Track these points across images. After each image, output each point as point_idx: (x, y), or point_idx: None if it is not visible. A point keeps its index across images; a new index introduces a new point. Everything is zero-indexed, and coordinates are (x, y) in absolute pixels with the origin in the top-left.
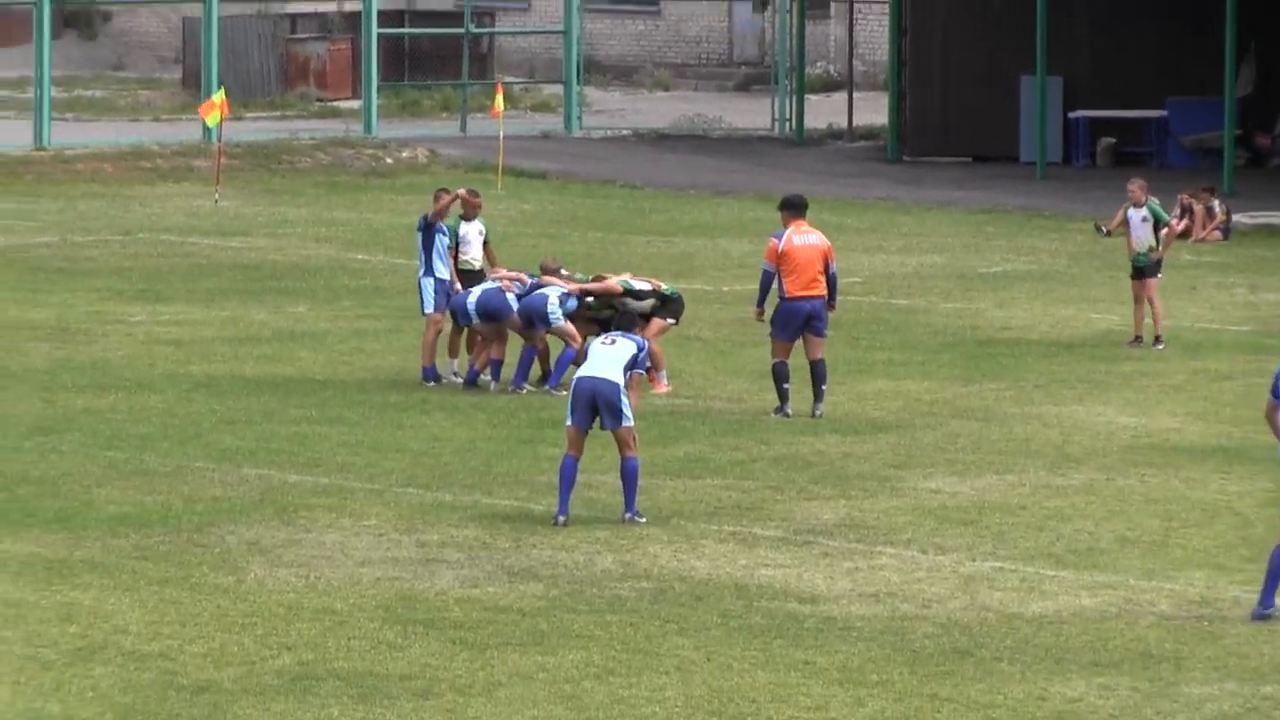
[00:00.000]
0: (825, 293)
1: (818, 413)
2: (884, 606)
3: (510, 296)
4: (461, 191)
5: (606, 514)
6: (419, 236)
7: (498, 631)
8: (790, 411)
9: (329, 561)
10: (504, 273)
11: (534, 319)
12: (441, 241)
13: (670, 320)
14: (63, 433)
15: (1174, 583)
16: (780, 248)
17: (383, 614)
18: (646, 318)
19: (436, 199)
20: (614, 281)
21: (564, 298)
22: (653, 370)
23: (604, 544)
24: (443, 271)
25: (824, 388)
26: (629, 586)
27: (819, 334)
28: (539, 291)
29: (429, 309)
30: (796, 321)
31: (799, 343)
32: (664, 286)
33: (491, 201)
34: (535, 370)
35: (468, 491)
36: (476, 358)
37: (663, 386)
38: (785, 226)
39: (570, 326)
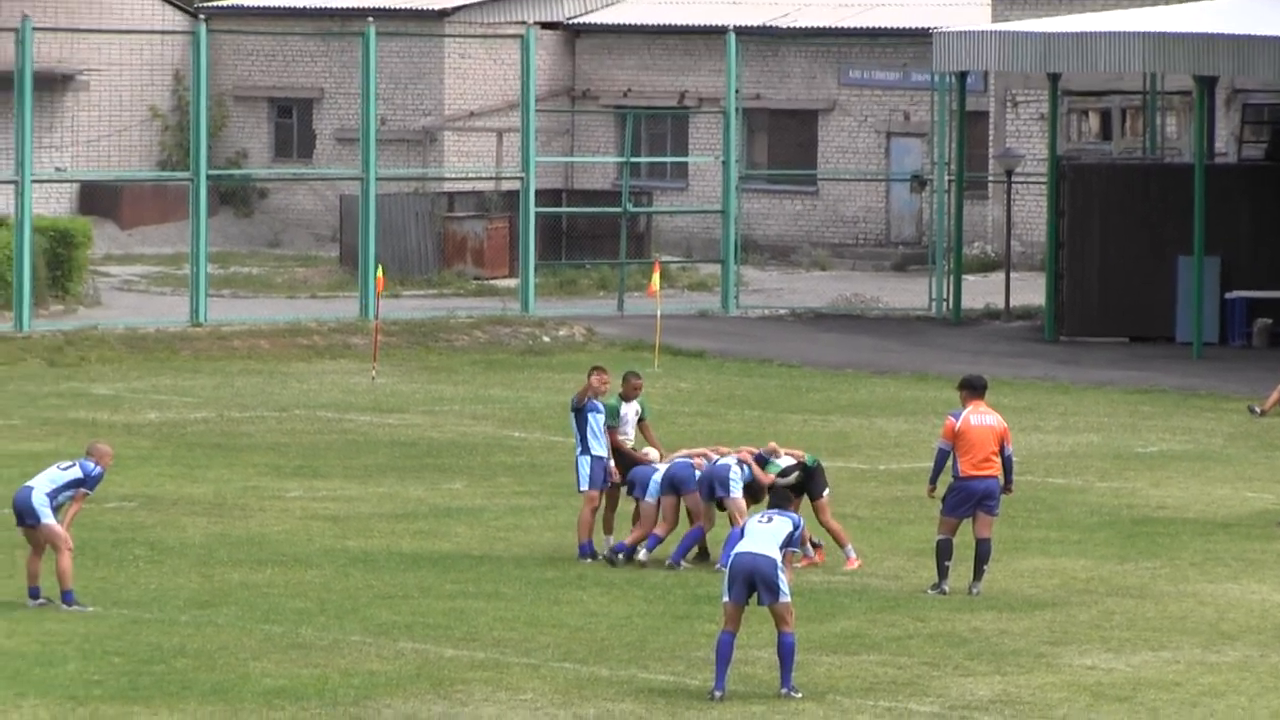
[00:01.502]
0: (998, 473)
1: (975, 591)
2: None
3: (698, 473)
4: (604, 376)
5: (763, 689)
6: (572, 417)
7: None
8: (947, 589)
9: None
10: (694, 450)
11: (714, 484)
12: (596, 420)
13: (826, 492)
14: (219, 606)
15: None
16: (957, 427)
17: None
18: (797, 492)
19: (590, 376)
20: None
21: (744, 467)
22: (818, 549)
23: (760, 719)
24: (598, 449)
25: (985, 567)
26: None
27: (991, 513)
28: (722, 462)
29: (584, 486)
30: (970, 500)
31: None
32: (805, 456)
33: (650, 380)
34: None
35: (624, 666)
36: (632, 532)
37: (852, 562)
38: (964, 406)
39: (743, 505)
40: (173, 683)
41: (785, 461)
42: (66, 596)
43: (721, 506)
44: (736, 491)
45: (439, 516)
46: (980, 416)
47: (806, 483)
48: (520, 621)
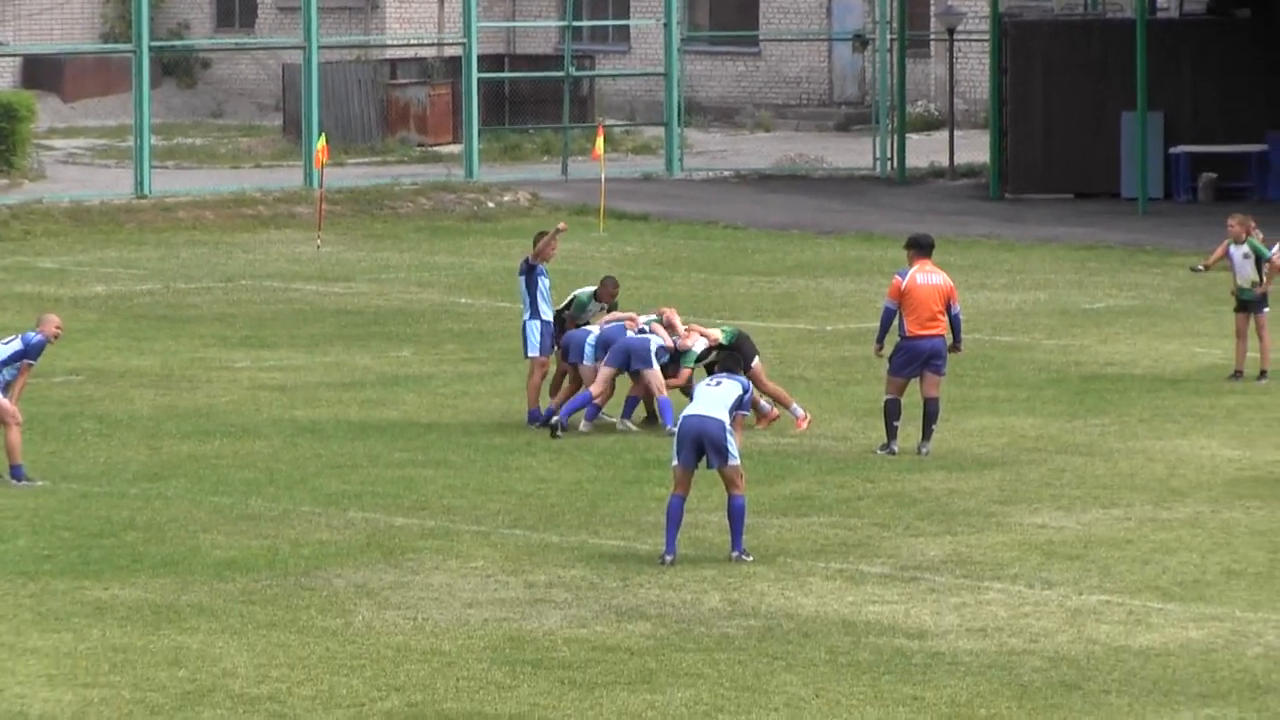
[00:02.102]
0: (945, 332)
1: (924, 450)
2: (991, 641)
3: (631, 334)
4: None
5: (713, 553)
6: (521, 280)
7: (606, 671)
8: (896, 449)
9: (436, 603)
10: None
11: (632, 356)
12: (544, 284)
13: (756, 360)
14: (168, 479)
15: None
16: (904, 286)
17: (491, 655)
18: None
19: (536, 241)
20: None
21: (661, 349)
22: (768, 413)
23: (711, 582)
24: (547, 314)
25: (934, 427)
26: (736, 625)
27: (938, 372)
28: (644, 335)
29: (533, 352)
30: (917, 360)
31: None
32: (720, 334)
33: (594, 244)
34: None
35: (574, 532)
36: (557, 400)
37: (801, 422)
38: (910, 265)
39: (660, 377)
40: (122, 556)
41: (699, 347)
42: (16, 471)
43: (636, 378)
44: (654, 364)
45: (386, 385)
46: (927, 275)
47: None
48: (469, 489)
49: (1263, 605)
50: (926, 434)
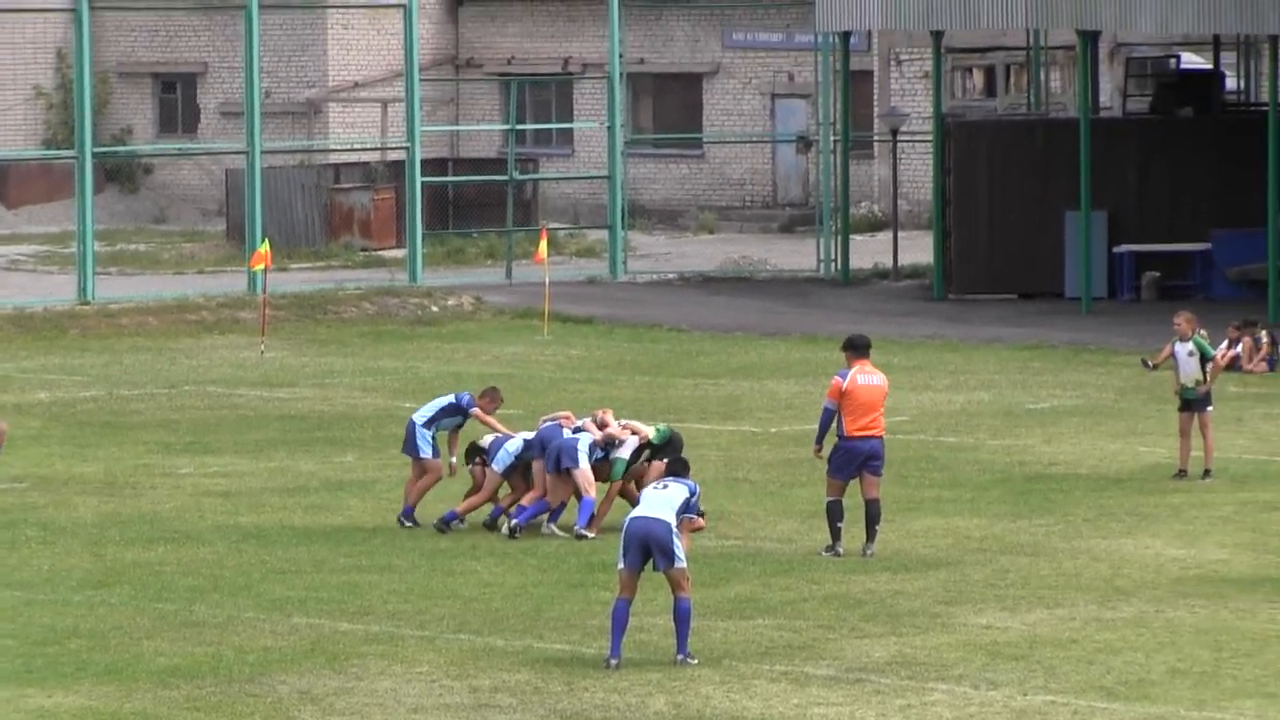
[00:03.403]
0: (883, 433)
1: (869, 552)
2: None
3: (567, 433)
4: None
5: (658, 656)
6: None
7: None
8: (842, 551)
9: (381, 709)
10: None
11: (561, 456)
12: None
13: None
14: (112, 586)
15: (1225, 713)
16: (845, 387)
17: None
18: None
19: (488, 395)
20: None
21: (593, 446)
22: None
23: (656, 686)
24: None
25: (877, 528)
26: None
27: (876, 473)
28: (571, 436)
29: (427, 454)
30: (855, 461)
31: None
32: (651, 432)
33: (539, 348)
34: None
35: (519, 636)
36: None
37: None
38: (849, 366)
39: (590, 476)
40: (67, 664)
41: (628, 449)
42: None
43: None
44: (584, 463)
45: (331, 490)
46: (867, 376)
47: (659, 456)
48: (414, 594)
49: (1207, 704)
50: (870, 535)
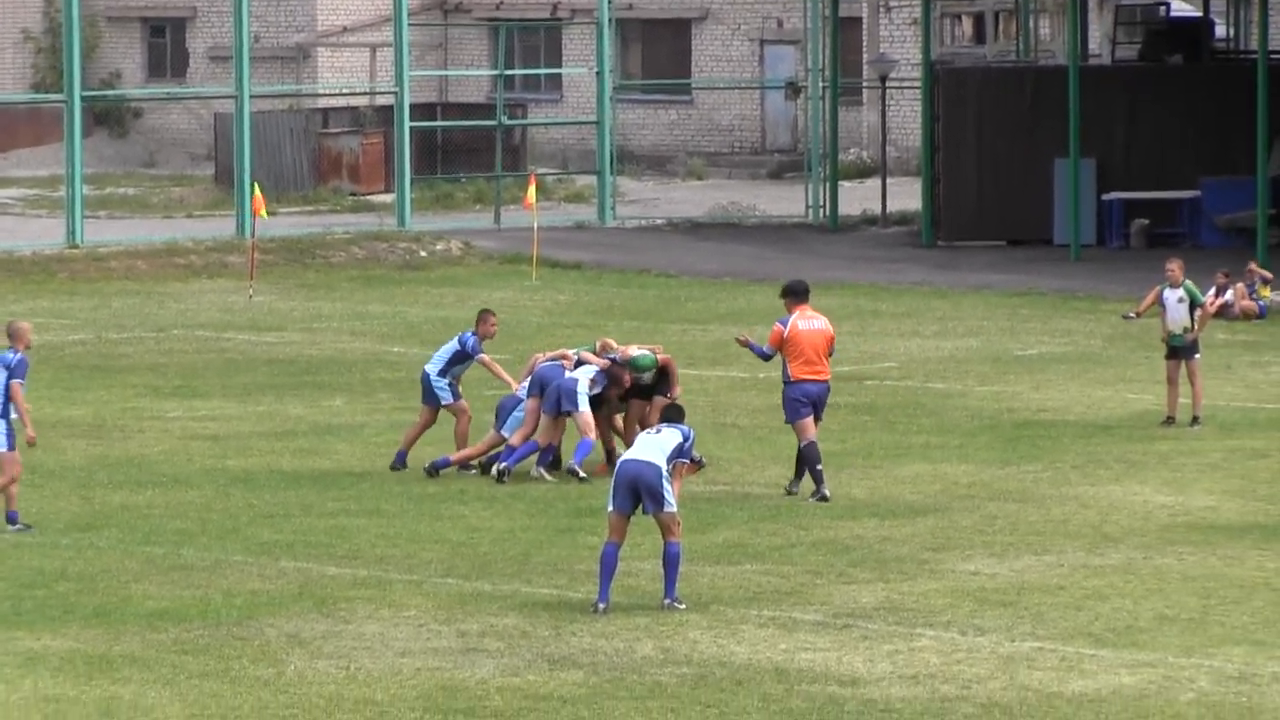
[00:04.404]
0: (829, 376)
1: (794, 490)
2: (924, 688)
3: (568, 373)
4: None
5: (646, 601)
6: (453, 355)
7: (539, 719)
8: (828, 493)
9: (369, 652)
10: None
11: (562, 398)
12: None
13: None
14: (100, 529)
15: (1213, 660)
16: (786, 333)
17: (424, 704)
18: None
19: (483, 320)
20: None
21: (599, 375)
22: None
23: (644, 630)
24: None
25: (820, 468)
26: (669, 673)
27: (817, 417)
28: (570, 375)
29: (448, 399)
30: (808, 400)
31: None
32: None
33: (526, 292)
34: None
35: (507, 580)
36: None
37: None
38: (789, 312)
39: (590, 418)
40: (55, 606)
41: (637, 352)
42: (10, 516)
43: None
44: (584, 406)
45: (319, 434)
46: (808, 321)
47: (660, 381)
48: (402, 538)
49: (1195, 651)
50: (799, 474)
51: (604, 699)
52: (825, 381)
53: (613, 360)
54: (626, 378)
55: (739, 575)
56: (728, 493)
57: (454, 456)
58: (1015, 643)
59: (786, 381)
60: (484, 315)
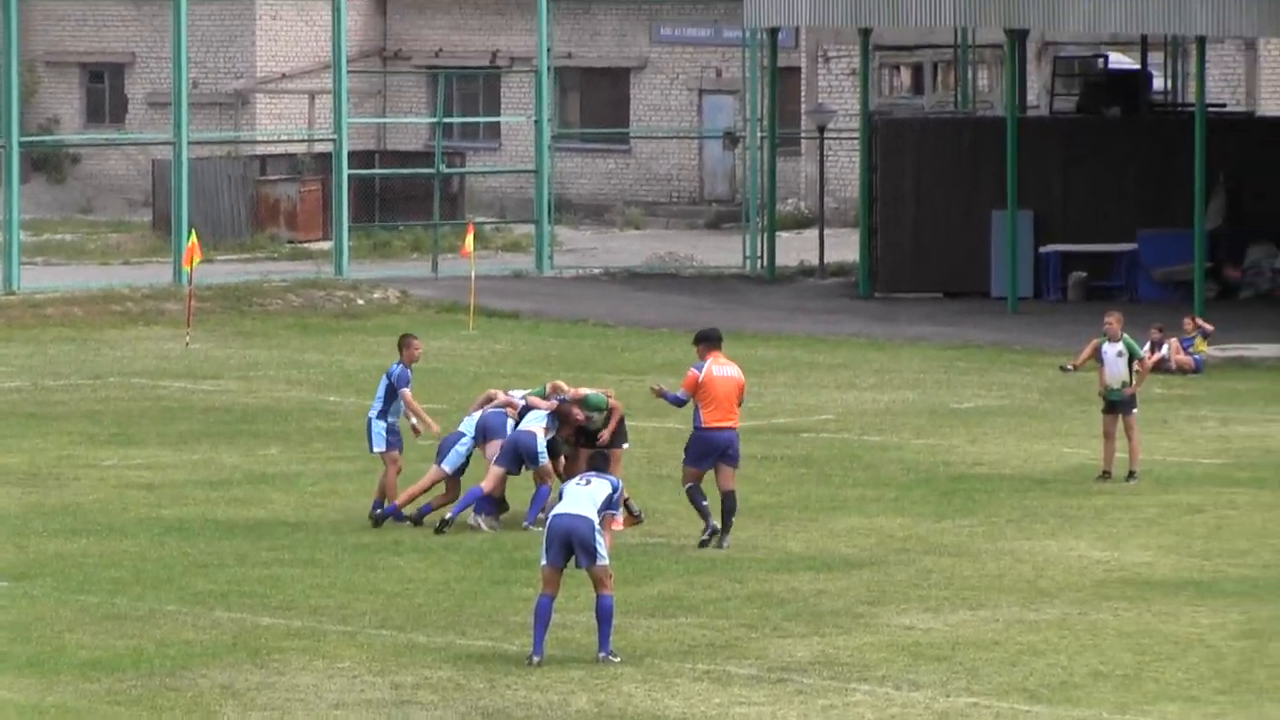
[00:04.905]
0: (738, 424)
1: (725, 544)
2: None
3: (508, 426)
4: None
5: (581, 654)
6: (385, 382)
7: None
8: (717, 523)
9: (302, 704)
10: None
11: (521, 455)
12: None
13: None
14: (34, 578)
15: (1147, 716)
16: (700, 379)
17: None
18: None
19: (406, 345)
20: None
21: (547, 427)
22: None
23: (578, 684)
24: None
25: (733, 520)
26: None
27: (732, 464)
28: (526, 429)
29: (380, 448)
30: (712, 451)
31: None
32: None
33: (465, 342)
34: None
35: (441, 632)
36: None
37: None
38: (702, 359)
39: (550, 467)
40: None
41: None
42: None
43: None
44: (545, 460)
45: (254, 483)
46: (722, 368)
47: (616, 434)
48: (337, 588)
49: (1129, 708)
50: (726, 527)
51: None
52: (734, 429)
53: (561, 401)
54: (576, 412)
55: (674, 628)
56: (663, 545)
57: (399, 500)
58: (950, 698)
59: (697, 427)
60: (406, 340)
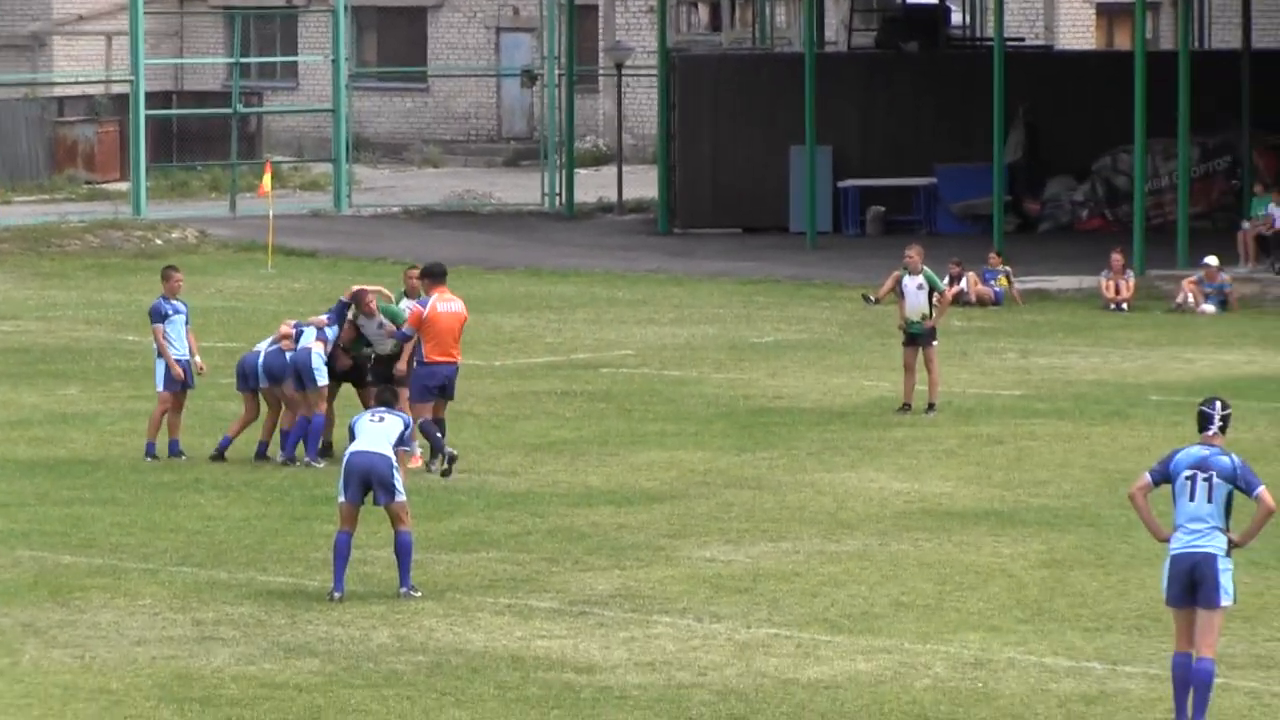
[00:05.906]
0: (459, 359)
1: (434, 468)
2: (660, 675)
3: (288, 357)
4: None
5: (382, 589)
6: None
7: (274, 708)
8: (454, 451)
9: (104, 641)
10: (281, 329)
11: (301, 375)
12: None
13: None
14: None
15: (949, 645)
16: (425, 314)
17: (159, 693)
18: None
19: (166, 277)
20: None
21: (329, 320)
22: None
23: (380, 619)
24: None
25: (441, 436)
26: (405, 660)
27: (450, 397)
28: (303, 347)
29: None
30: (434, 384)
31: None
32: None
33: (263, 281)
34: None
35: (242, 569)
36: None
37: (415, 460)
38: (428, 294)
39: (324, 392)
40: None
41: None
42: None
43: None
44: (322, 380)
45: (54, 423)
46: (447, 303)
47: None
48: (138, 526)
49: (931, 637)
50: (448, 460)
51: (340, 687)
52: (455, 364)
53: (341, 302)
54: (369, 297)
55: (475, 563)
56: (463, 481)
57: (231, 431)
58: (751, 629)
59: (420, 363)
60: (166, 272)
